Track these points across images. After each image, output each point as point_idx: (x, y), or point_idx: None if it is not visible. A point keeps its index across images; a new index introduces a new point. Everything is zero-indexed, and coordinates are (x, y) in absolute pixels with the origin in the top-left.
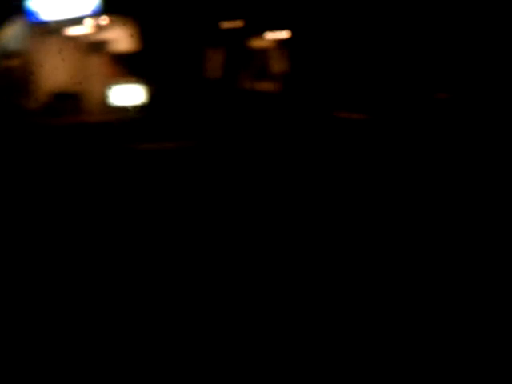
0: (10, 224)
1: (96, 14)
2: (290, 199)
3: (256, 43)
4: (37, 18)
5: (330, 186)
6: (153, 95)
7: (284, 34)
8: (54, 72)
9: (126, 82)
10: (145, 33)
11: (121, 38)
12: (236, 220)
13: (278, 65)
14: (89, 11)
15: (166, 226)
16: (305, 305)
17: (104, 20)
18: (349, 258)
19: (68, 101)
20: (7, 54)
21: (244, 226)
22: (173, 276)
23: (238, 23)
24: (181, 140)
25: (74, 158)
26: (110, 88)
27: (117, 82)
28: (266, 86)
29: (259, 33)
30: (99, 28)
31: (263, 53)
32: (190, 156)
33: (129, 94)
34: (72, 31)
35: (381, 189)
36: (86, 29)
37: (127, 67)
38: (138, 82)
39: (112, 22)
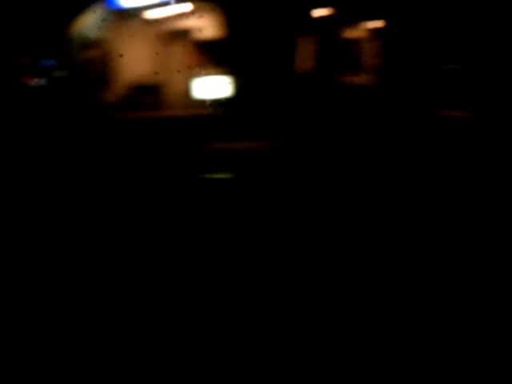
0: (86, 217)
1: (179, 0)
2: (391, 205)
3: (349, 33)
4: (117, 5)
5: (432, 190)
6: (239, 88)
7: (379, 23)
8: (134, 62)
9: (211, 73)
10: (231, 20)
11: (205, 26)
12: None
13: (373, 57)
14: None
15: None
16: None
17: (188, 6)
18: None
19: (148, 93)
20: (85, 44)
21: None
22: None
23: (330, 11)
24: (268, 139)
25: (152, 155)
26: (193, 80)
27: (201, 74)
28: (361, 79)
29: (353, 21)
30: (182, 15)
31: (357, 43)
32: (279, 157)
33: (213, 87)
34: (154, 19)
35: (488, 193)
36: (168, 16)
37: (212, 57)
38: (223, 73)
39: (196, 8)
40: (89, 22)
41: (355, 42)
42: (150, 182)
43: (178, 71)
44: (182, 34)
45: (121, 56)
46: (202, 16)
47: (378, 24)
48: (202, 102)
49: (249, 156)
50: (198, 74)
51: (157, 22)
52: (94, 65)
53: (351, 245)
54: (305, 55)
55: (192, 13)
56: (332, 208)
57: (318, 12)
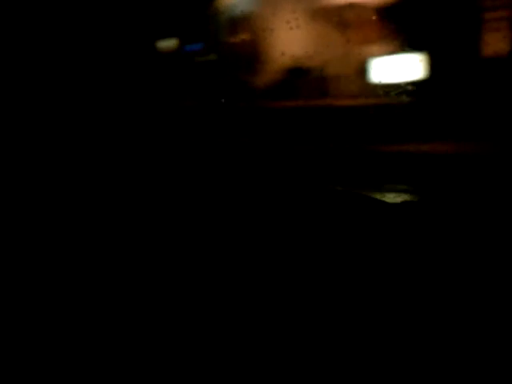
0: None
1: None
2: None
3: None
4: None
5: None
6: (429, 71)
7: None
8: (291, 40)
9: (391, 51)
10: None
11: None
12: None
13: None
14: None
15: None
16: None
17: None
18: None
19: (307, 78)
20: (234, 23)
21: None
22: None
23: None
24: (468, 140)
25: (310, 154)
26: (367, 60)
27: (377, 52)
28: None
29: None
30: None
31: None
32: (475, 166)
33: (397, 69)
34: None
35: None
36: None
37: (391, 31)
38: (407, 51)
39: None
40: None
41: None
42: (301, 195)
43: (348, 49)
44: (353, 4)
45: (273, 33)
46: None
47: None
48: (380, 88)
49: (444, 164)
50: (374, 53)
51: None
52: (243, 45)
53: None
54: (494, 37)
55: None
56: None
57: None
